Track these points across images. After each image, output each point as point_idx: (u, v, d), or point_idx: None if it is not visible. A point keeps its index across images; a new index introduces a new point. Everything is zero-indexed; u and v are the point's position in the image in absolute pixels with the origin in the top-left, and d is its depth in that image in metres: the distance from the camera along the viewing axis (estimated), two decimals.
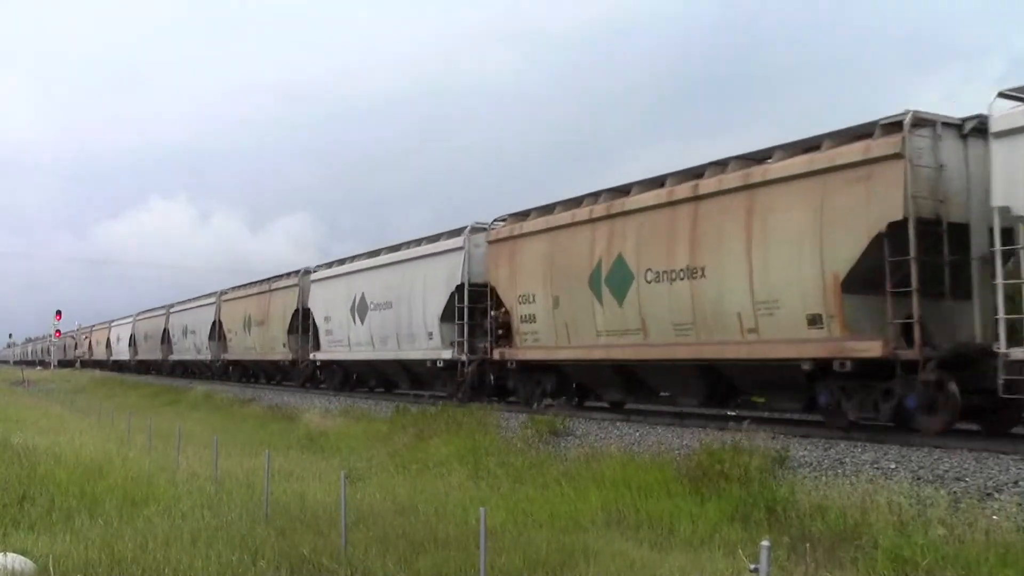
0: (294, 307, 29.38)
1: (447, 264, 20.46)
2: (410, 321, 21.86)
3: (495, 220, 19.39)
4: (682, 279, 13.68)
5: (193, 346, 41.86)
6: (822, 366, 11.69)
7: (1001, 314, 9.94)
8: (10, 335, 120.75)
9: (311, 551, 7.77)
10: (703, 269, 13.38)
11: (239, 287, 36.85)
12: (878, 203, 10.98)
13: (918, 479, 9.14)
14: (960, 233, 10.94)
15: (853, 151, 11.45)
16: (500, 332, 18.63)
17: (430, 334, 20.86)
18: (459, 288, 19.69)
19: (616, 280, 15.11)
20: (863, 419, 11.79)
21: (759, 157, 13.23)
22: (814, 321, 11.68)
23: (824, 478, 9.88)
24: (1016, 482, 8.57)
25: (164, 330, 47.20)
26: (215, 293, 39.03)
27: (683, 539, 8.71)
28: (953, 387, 10.66)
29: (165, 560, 7.39)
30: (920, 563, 7.26)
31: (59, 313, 66.03)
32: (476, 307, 19.50)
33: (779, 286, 12.20)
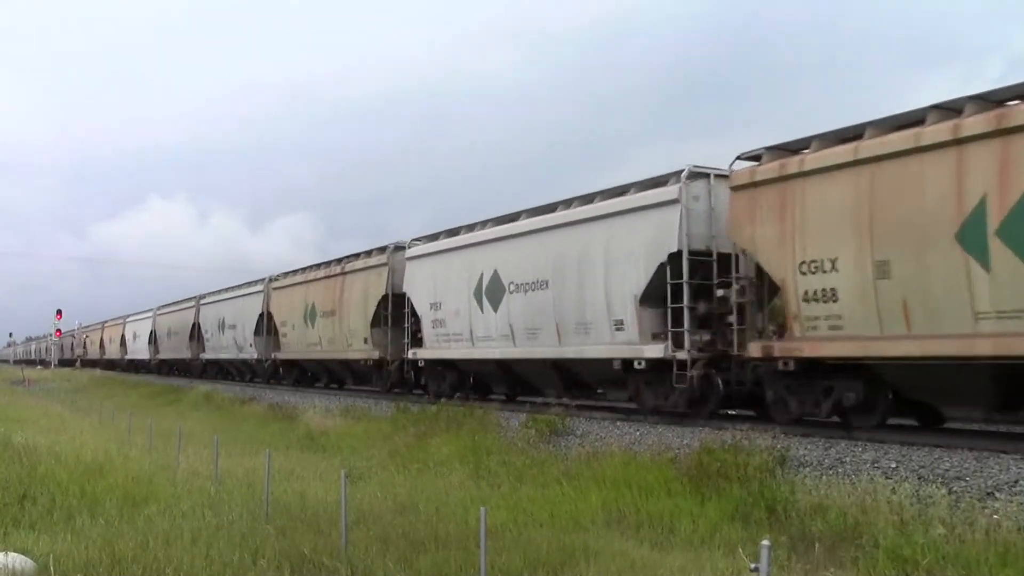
0: (381, 292, 23.13)
1: (652, 224, 14.49)
2: (581, 306, 15.82)
3: (739, 157, 13.34)
4: None
5: (233, 343, 35.45)
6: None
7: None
8: (10, 334, 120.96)
9: (312, 550, 7.78)
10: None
11: (295, 271, 30.43)
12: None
13: (919, 478, 9.14)
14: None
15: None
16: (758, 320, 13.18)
17: (618, 323, 14.96)
18: (672, 257, 13.95)
19: None
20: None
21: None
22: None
23: (824, 477, 9.87)
24: (1016, 482, 8.56)
25: (193, 325, 40.99)
26: (262, 280, 33.05)
27: (683, 538, 8.71)
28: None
29: (166, 559, 7.39)
30: (920, 562, 7.27)
31: (59, 312, 66.08)
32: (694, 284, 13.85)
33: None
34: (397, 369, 22.51)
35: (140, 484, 11.16)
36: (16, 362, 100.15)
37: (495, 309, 18.13)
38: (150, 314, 50.43)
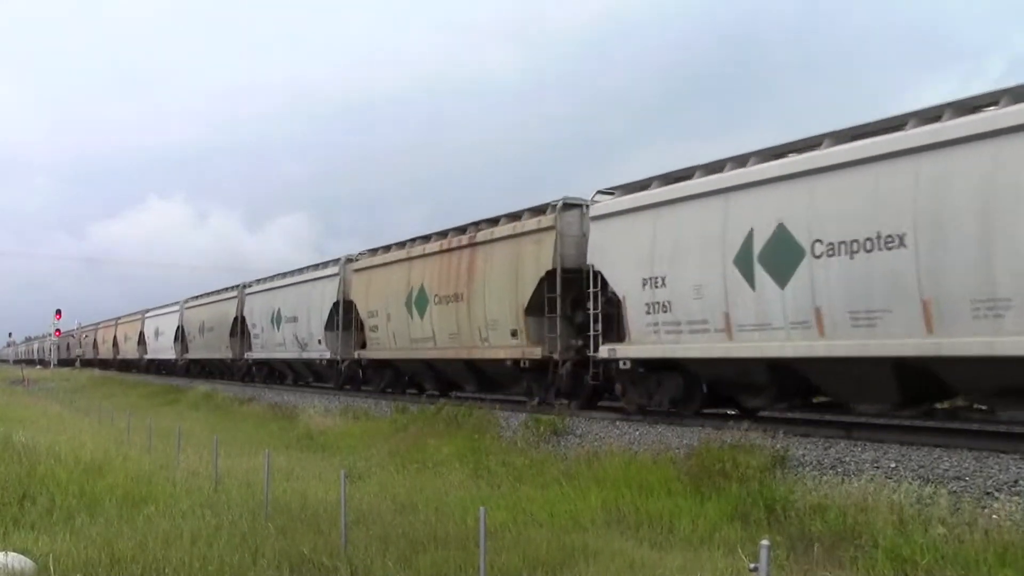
0: (538, 271, 16.76)
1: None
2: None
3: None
4: None
5: (293, 339, 28.87)
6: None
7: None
8: (10, 334, 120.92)
9: (311, 550, 7.78)
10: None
11: (385, 248, 23.70)
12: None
13: (918, 478, 9.15)
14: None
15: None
16: None
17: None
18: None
19: None
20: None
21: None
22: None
23: (824, 477, 9.88)
24: (1016, 482, 8.56)
25: (236, 319, 34.92)
26: (336, 260, 26.49)
27: (683, 538, 8.71)
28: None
29: (165, 559, 7.39)
30: (920, 562, 7.27)
31: (59, 312, 65.82)
32: None
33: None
34: (566, 369, 16.49)
35: (139, 484, 11.16)
36: (16, 362, 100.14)
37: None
38: (176, 307, 44.42)
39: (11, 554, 7.43)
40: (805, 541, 8.24)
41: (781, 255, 11.91)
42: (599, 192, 15.92)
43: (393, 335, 22.21)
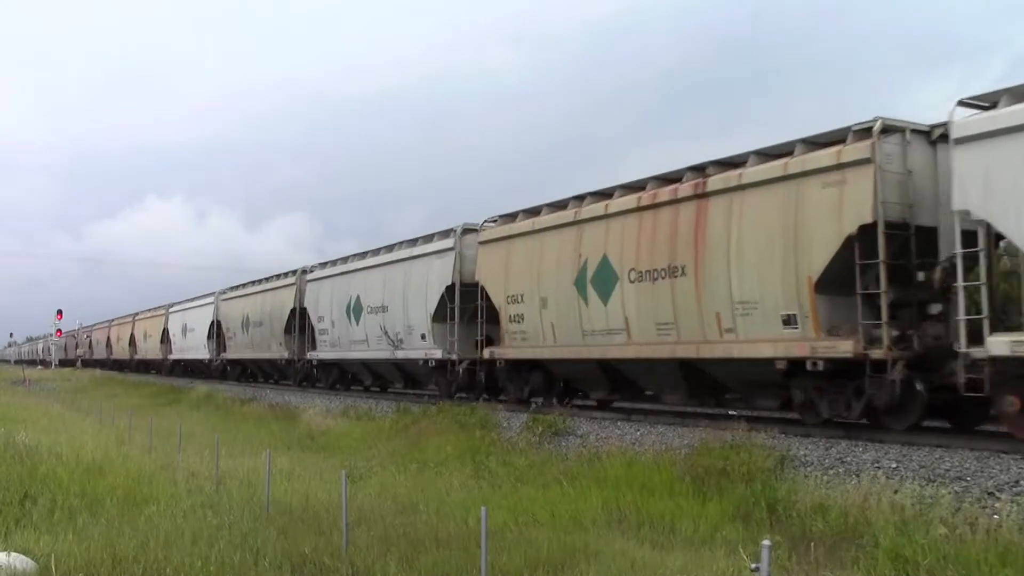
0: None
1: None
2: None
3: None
4: None
5: (382, 335, 22.93)
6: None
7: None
8: (11, 334, 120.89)
9: (312, 550, 7.78)
10: None
11: (534, 211, 17.97)
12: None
13: (919, 478, 9.14)
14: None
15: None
16: None
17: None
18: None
19: None
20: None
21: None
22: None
23: (825, 477, 9.88)
24: (1017, 482, 8.56)
25: (293, 311, 29.11)
26: (446, 232, 20.90)
27: (684, 538, 8.71)
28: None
29: (166, 560, 7.38)
30: (921, 563, 7.27)
31: (60, 312, 65.79)
32: None
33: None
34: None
35: (141, 484, 11.16)
36: (16, 362, 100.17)
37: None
38: (210, 299, 38.59)
39: (13, 554, 7.44)
40: (806, 541, 8.24)
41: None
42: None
43: (552, 327, 16.73)
